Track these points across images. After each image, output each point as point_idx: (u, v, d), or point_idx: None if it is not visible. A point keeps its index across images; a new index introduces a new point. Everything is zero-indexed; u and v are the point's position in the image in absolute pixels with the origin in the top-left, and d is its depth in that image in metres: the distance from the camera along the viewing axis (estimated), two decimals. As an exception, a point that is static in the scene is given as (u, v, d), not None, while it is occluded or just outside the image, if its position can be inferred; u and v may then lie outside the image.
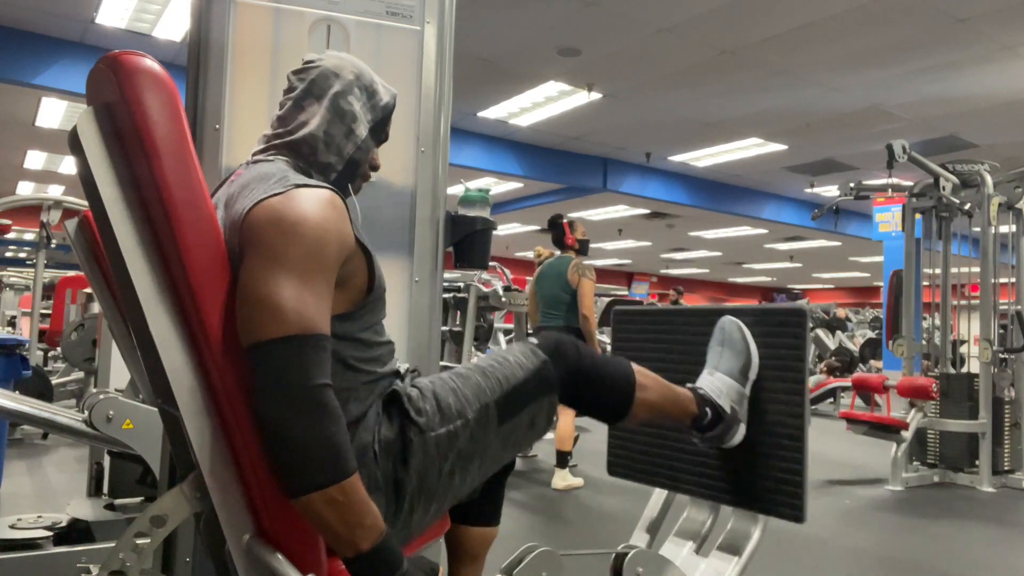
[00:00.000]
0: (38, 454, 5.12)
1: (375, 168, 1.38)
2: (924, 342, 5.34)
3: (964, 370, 5.95)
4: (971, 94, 6.83)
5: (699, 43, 5.89)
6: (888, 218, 9.45)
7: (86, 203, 1.25)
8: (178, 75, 1.37)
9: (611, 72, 6.61)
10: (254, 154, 1.28)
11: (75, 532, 2.48)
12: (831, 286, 24.87)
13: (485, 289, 5.21)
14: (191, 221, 1.05)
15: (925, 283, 5.50)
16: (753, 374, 1.64)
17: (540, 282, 4.60)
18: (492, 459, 1.35)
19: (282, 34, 1.80)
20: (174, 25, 5.83)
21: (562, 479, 4.36)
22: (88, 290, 5.78)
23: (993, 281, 5.03)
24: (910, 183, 5.56)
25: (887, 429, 4.69)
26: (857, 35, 5.62)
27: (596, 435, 5.03)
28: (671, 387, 1.54)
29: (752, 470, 1.64)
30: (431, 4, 1.92)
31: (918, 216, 5.34)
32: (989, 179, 5.03)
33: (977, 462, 4.79)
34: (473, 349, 5.45)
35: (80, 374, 5.71)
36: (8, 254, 16.85)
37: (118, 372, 3.47)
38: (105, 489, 2.93)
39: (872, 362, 10.44)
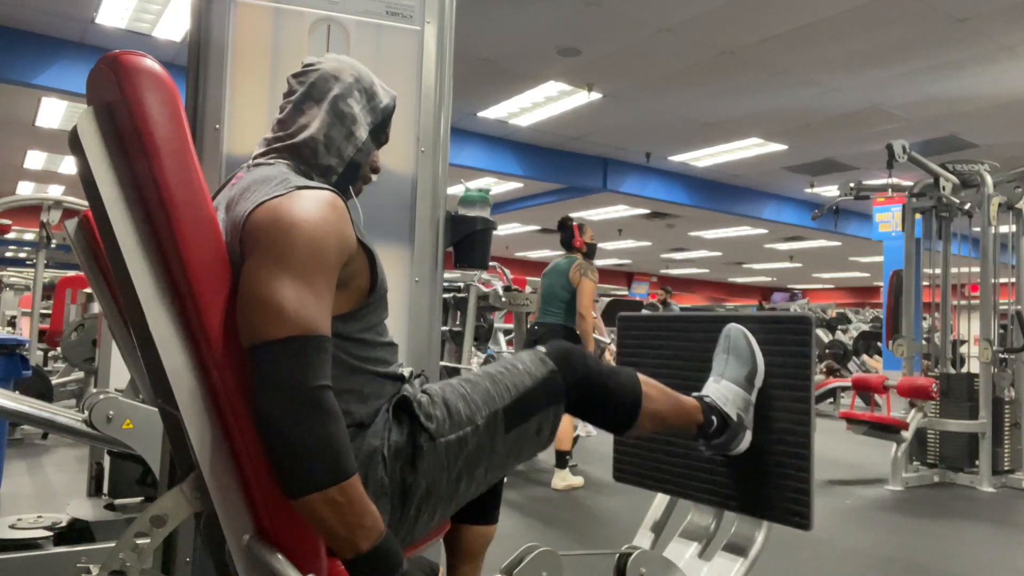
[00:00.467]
0: (38, 454, 5.12)
1: (376, 170, 1.38)
2: (924, 342, 5.34)
3: (964, 370, 5.95)
4: (971, 94, 6.84)
5: (699, 43, 5.89)
6: (888, 218, 9.46)
7: (86, 203, 1.25)
8: (178, 75, 1.38)
9: (611, 72, 6.61)
10: (254, 157, 1.29)
11: (75, 532, 2.48)
12: (831, 286, 24.87)
13: (485, 289, 5.21)
14: (191, 221, 1.05)
15: (925, 283, 5.50)
16: (759, 381, 1.65)
17: (544, 278, 4.62)
18: (498, 466, 1.36)
19: (282, 34, 1.80)
20: (174, 25, 5.83)
21: (562, 479, 4.36)
22: (88, 290, 5.78)
23: (993, 281, 5.03)
24: (910, 183, 5.56)
25: (887, 429, 4.68)
26: (857, 35, 5.62)
27: (596, 435, 5.03)
28: (677, 397, 1.54)
29: (758, 477, 1.65)
30: (431, 4, 1.92)
31: (918, 216, 5.34)
32: (989, 179, 5.03)
33: (977, 462, 4.79)
34: (473, 349, 5.46)
35: (80, 374, 5.71)
36: (8, 254, 16.87)
37: (118, 372, 3.47)
38: (105, 489, 2.93)
39: (865, 358, 10.43)
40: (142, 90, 1.04)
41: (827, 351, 9.98)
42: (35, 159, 10.22)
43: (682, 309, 13.43)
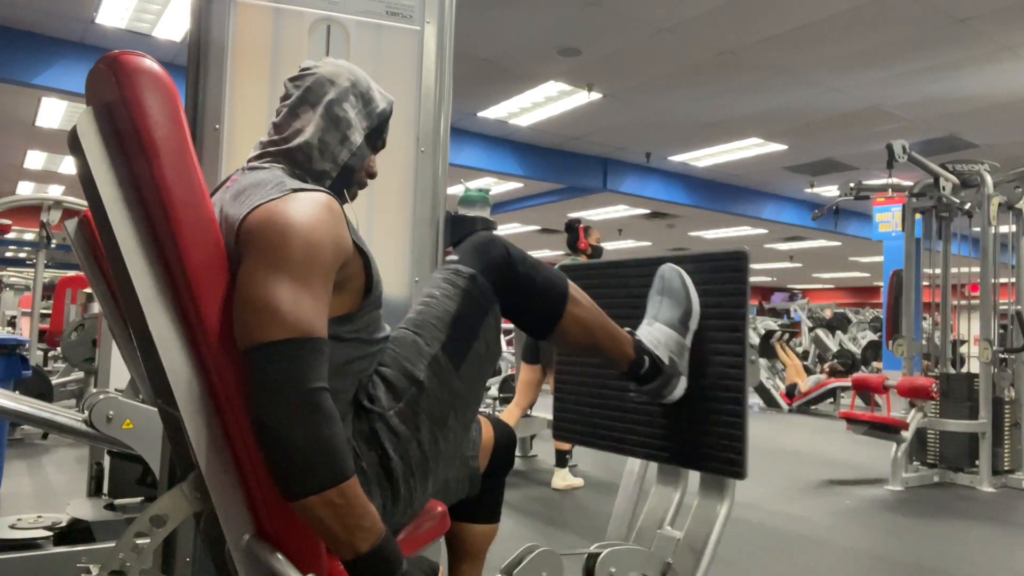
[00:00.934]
0: (38, 454, 5.12)
1: (372, 175, 1.36)
2: (924, 342, 5.34)
3: (964, 370, 5.95)
4: (971, 94, 6.83)
5: (699, 43, 5.89)
6: (888, 218, 9.46)
7: (86, 203, 1.25)
8: (178, 75, 1.37)
9: (611, 72, 6.60)
10: (249, 160, 1.28)
11: (75, 532, 2.49)
12: (831, 286, 24.87)
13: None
14: (191, 221, 1.05)
15: (925, 283, 5.50)
16: (694, 324, 1.57)
17: None
18: (465, 404, 1.31)
19: (282, 34, 1.80)
20: (174, 25, 5.82)
21: (562, 479, 4.36)
22: (88, 290, 5.78)
23: (993, 281, 5.03)
24: (910, 183, 5.56)
25: (887, 429, 4.69)
26: (857, 35, 5.61)
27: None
28: (608, 320, 1.47)
29: (694, 427, 1.56)
30: (431, 4, 1.92)
31: (918, 216, 5.34)
32: (989, 179, 5.03)
33: (977, 462, 4.79)
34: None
35: (80, 374, 5.72)
36: (8, 254, 16.87)
37: (118, 372, 3.48)
38: (105, 489, 2.93)
39: (874, 363, 10.45)
40: (142, 90, 1.04)
41: (836, 360, 9.98)
42: (35, 159, 10.22)
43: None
